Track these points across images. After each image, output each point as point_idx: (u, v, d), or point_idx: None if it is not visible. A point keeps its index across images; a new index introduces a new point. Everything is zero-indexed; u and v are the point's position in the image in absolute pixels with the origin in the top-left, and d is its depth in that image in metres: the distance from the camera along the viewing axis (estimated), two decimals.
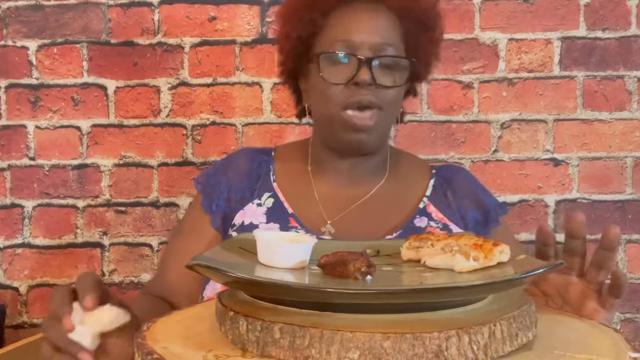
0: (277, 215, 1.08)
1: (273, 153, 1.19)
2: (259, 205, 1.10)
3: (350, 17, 1.04)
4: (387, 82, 1.03)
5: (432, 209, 1.11)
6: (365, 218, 1.08)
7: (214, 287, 1.01)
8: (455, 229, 1.06)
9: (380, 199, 1.11)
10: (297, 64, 1.11)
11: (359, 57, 1.01)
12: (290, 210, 1.09)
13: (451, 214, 1.11)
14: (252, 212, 1.09)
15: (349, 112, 1.02)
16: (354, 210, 1.09)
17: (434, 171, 1.18)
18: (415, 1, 1.07)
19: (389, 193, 1.12)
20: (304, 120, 1.22)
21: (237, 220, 1.10)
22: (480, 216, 1.13)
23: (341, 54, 1.02)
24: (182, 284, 1.10)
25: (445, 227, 1.06)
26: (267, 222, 1.07)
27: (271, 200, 1.10)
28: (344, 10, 1.05)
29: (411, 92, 1.18)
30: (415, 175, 1.16)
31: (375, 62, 1.01)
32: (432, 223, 1.07)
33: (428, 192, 1.13)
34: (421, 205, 1.11)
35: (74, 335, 0.71)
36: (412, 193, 1.13)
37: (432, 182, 1.15)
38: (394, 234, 1.05)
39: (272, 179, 1.14)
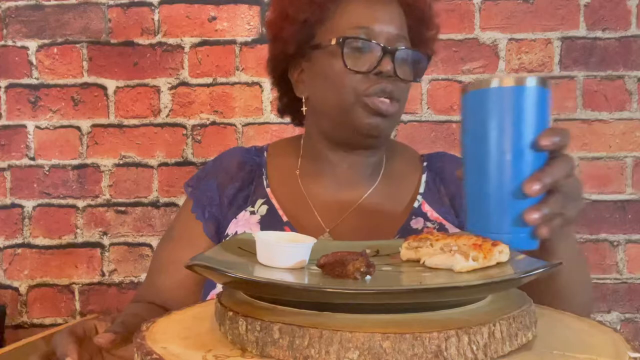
0: (272, 224, 1.05)
1: (265, 153, 1.15)
2: (252, 213, 1.07)
3: (366, 5, 1.01)
4: (406, 75, 1.01)
5: (427, 207, 1.08)
6: (362, 223, 1.05)
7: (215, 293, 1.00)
8: (451, 228, 1.05)
9: (375, 200, 1.08)
10: (298, 50, 1.05)
11: (383, 46, 0.98)
12: (285, 219, 1.05)
13: (445, 211, 1.08)
14: (246, 221, 1.06)
15: (374, 98, 0.98)
16: (351, 216, 1.06)
17: (425, 164, 1.14)
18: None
19: (383, 193, 1.09)
20: (286, 118, 1.18)
21: (231, 229, 1.07)
22: None
23: (366, 41, 0.98)
24: (176, 293, 1.07)
25: (441, 228, 1.05)
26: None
27: (265, 207, 1.07)
28: None
29: None
30: (408, 171, 1.13)
31: (397, 54, 0.99)
32: (428, 224, 1.06)
33: (421, 189, 1.11)
34: (416, 205, 1.08)
35: None
36: (406, 191, 1.11)
37: (424, 177, 1.12)
38: (393, 239, 1.02)
39: (265, 184, 1.10)
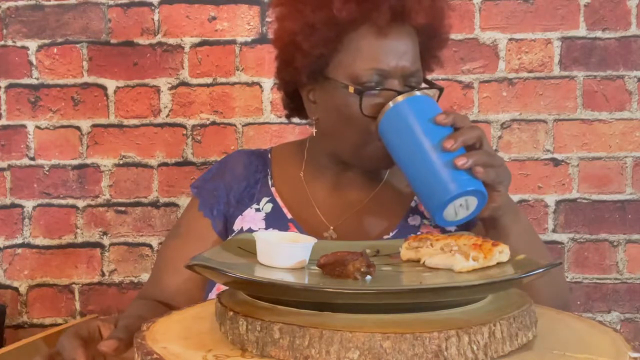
0: (276, 221, 1.07)
1: (269, 155, 1.16)
2: (258, 210, 1.09)
3: (378, 39, 0.99)
4: None
5: (423, 207, 1.09)
6: (364, 221, 1.07)
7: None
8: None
9: (377, 201, 1.09)
10: (310, 77, 1.05)
11: (399, 91, 0.98)
12: (289, 216, 1.08)
13: None
14: (251, 218, 1.08)
15: None
16: (354, 215, 1.08)
17: None
18: (435, 18, 1.04)
19: (385, 195, 1.10)
20: (295, 119, 1.17)
21: (237, 225, 1.09)
22: None
23: (379, 87, 0.98)
24: (182, 290, 1.08)
25: (437, 225, 1.06)
26: (266, 228, 1.06)
27: (270, 205, 1.09)
28: (368, 28, 0.99)
29: None
30: None
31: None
32: (425, 221, 1.08)
33: None
34: (413, 204, 1.10)
35: None
36: (405, 192, 1.11)
37: None
38: (390, 234, 1.05)
39: (270, 184, 1.12)
